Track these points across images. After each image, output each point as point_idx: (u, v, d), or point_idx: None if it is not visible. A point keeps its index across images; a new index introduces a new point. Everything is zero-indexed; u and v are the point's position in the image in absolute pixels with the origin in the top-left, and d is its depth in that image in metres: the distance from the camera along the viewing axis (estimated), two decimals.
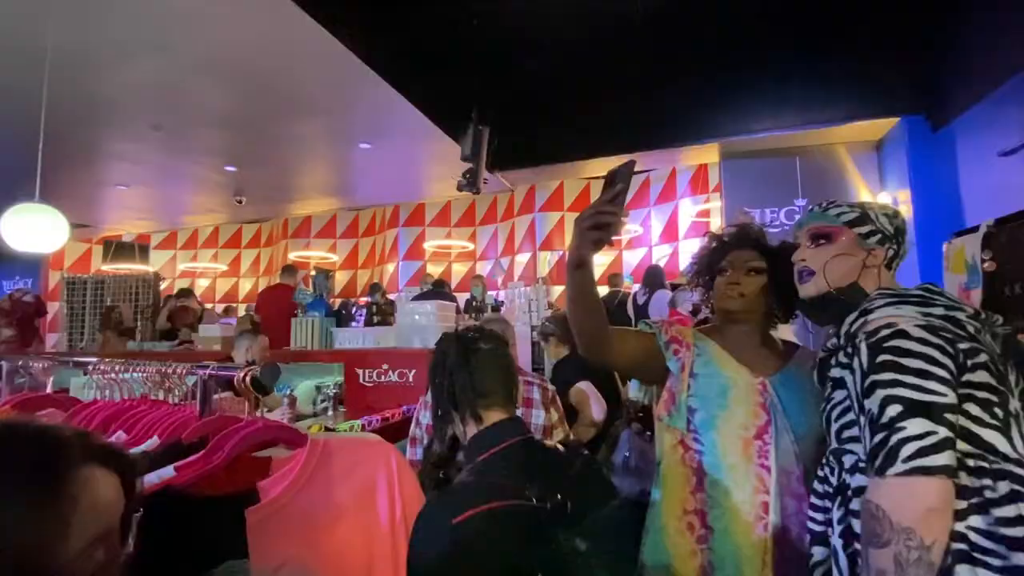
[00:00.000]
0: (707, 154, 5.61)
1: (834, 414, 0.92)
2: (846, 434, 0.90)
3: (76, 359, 1.23)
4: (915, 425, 0.73)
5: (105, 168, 5.96)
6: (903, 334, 0.80)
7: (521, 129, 5.16)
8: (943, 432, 0.73)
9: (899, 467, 0.73)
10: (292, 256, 9.26)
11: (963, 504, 0.74)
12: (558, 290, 6.70)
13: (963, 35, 3.73)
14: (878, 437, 0.76)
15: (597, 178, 7.53)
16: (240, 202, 7.12)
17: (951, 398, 0.75)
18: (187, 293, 6.48)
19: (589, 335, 1.18)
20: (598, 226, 1.02)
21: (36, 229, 2.85)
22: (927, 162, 4.15)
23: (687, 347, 1.24)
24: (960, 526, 0.73)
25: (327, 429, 2.52)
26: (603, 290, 6.48)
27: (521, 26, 4.32)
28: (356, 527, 0.76)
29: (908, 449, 0.73)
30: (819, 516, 0.94)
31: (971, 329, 0.82)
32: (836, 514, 0.88)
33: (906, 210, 4.35)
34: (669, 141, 5.16)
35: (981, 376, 0.78)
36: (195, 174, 6.25)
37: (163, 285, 6.72)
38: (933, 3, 3.94)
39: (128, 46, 3.56)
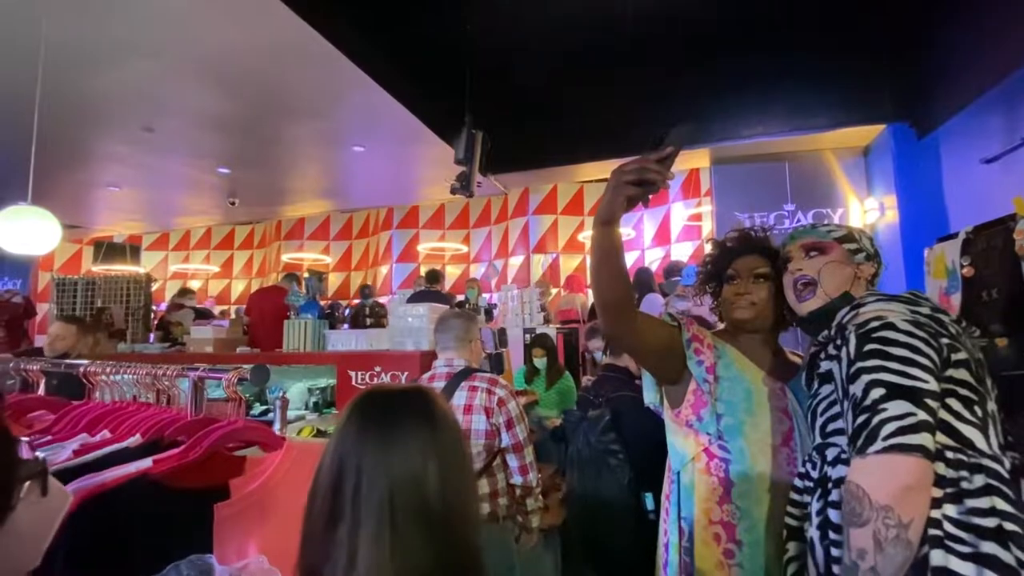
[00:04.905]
0: (698, 159, 5.67)
1: (820, 408, 0.95)
2: (830, 427, 0.92)
3: (67, 361, 1.24)
4: (896, 407, 0.77)
5: (96, 169, 5.93)
6: (891, 326, 0.84)
7: (514, 133, 5.19)
8: (922, 415, 0.76)
9: (878, 445, 0.76)
10: (285, 258, 9.23)
11: (940, 492, 0.77)
12: (551, 292, 6.73)
13: (947, 45, 3.80)
14: (860, 419, 0.79)
15: (590, 181, 7.58)
16: (233, 204, 7.11)
17: (933, 385, 0.78)
18: (185, 292, 6.49)
19: (614, 306, 1.08)
20: (639, 182, 0.94)
21: (29, 231, 2.84)
22: (913, 169, 4.22)
23: (708, 347, 1.20)
24: (936, 513, 0.77)
25: (319, 432, 2.53)
26: None
27: (514, 30, 4.36)
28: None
29: (888, 428, 0.76)
30: (796, 512, 0.96)
31: (953, 330, 0.87)
32: (815, 506, 0.90)
33: (892, 215, 4.42)
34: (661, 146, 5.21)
35: (962, 374, 0.82)
36: (187, 176, 6.23)
37: (154, 286, 6.69)
38: (918, 14, 4.01)
39: (121, 47, 3.56)
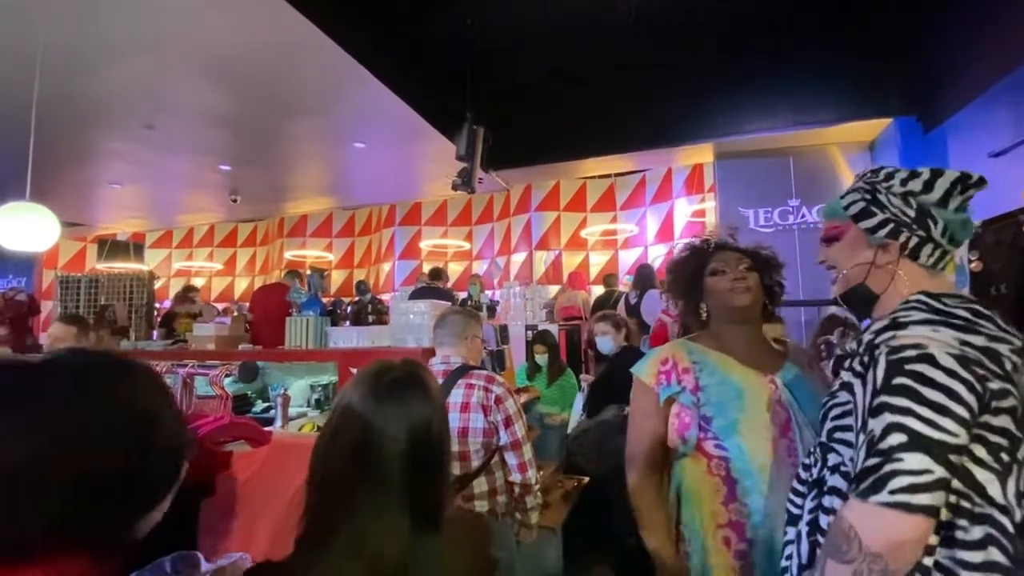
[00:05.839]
0: (702, 154, 5.63)
1: (832, 413, 0.91)
2: (837, 435, 0.88)
3: None
4: (913, 460, 0.69)
5: (98, 167, 5.93)
6: (930, 359, 0.72)
7: (515, 129, 5.16)
8: (939, 472, 0.69)
9: (883, 497, 0.70)
10: (288, 255, 9.24)
11: (935, 539, 0.73)
12: (553, 290, 6.71)
13: (954, 37, 3.75)
14: (872, 461, 0.72)
15: (592, 177, 7.55)
16: (235, 200, 7.10)
17: (962, 439, 0.70)
18: (191, 290, 6.50)
19: None
20: None
21: (26, 228, 2.84)
22: (919, 163, 4.09)
23: (685, 371, 1.21)
24: (927, 560, 0.73)
25: (320, 428, 2.52)
26: (599, 290, 6.49)
27: (515, 26, 4.33)
28: (278, 520, 0.79)
29: (898, 482, 0.69)
30: (798, 500, 0.95)
31: (1008, 366, 0.73)
32: (808, 504, 0.89)
33: None
34: (664, 141, 5.18)
35: (1002, 421, 0.72)
36: (189, 173, 6.23)
37: (158, 284, 6.70)
38: (925, 6, 3.96)
39: (120, 45, 3.55)
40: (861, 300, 0.91)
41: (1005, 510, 0.73)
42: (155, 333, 5.37)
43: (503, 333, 3.62)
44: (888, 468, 0.70)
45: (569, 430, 3.37)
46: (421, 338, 2.92)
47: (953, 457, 0.69)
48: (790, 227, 4.99)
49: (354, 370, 2.88)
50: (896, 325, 0.78)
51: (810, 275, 4.85)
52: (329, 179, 7.03)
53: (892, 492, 0.69)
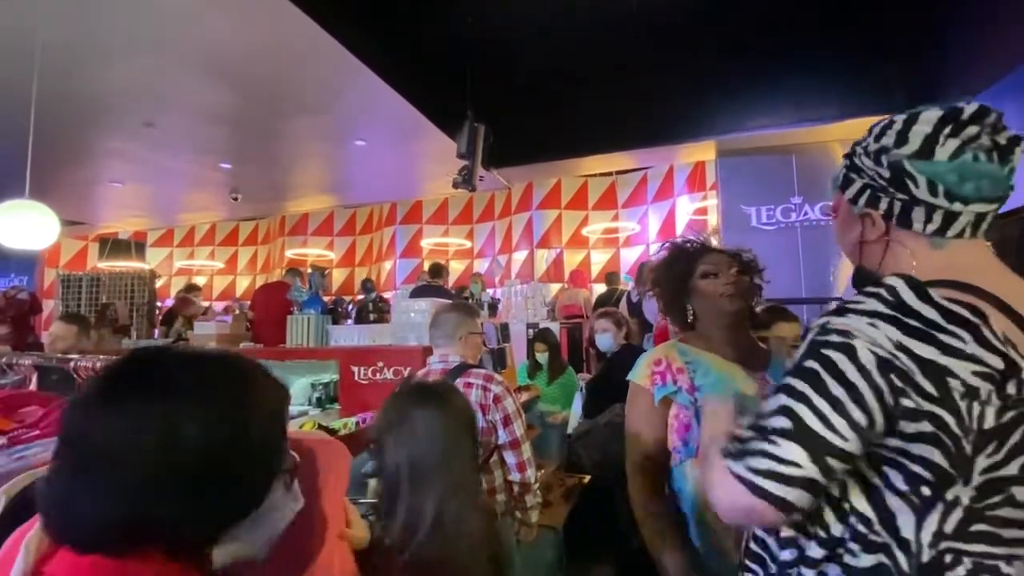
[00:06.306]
0: (704, 151, 5.61)
1: None
2: None
3: (59, 356, 1.22)
4: (789, 450, 0.62)
5: (99, 165, 5.93)
6: (848, 350, 0.63)
7: (516, 126, 5.15)
8: (810, 471, 0.61)
9: (738, 467, 0.64)
10: (289, 254, 9.25)
11: (820, 553, 0.68)
12: (555, 288, 6.69)
13: (958, 33, 3.73)
14: (748, 434, 0.66)
15: (593, 175, 7.53)
16: (236, 199, 7.10)
17: (851, 446, 0.61)
18: (193, 288, 6.51)
19: None
20: None
21: (26, 226, 2.84)
22: None
23: (679, 371, 1.21)
24: (809, 573, 0.69)
25: (321, 427, 2.52)
26: (600, 288, 6.48)
27: (516, 23, 4.31)
28: (304, 525, 0.78)
29: (761, 463, 0.63)
30: None
31: (959, 390, 0.59)
32: None
33: None
34: (666, 138, 5.17)
35: (921, 449, 0.62)
36: (190, 171, 6.22)
37: (159, 283, 6.71)
38: (927, 3, 3.93)
39: (119, 43, 3.54)
40: (865, 283, 0.78)
41: (906, 546, 0.63)
42: (156, 332, 5.38)
43: (504, 331, 3.62)
44: (758, 446, 0.64)
45: (570, 430, 3.36)
46: (422, 336, 2.91)
47: (832, 461, 0.61)
48: (792, 224, 4.97)
49: (355, 368, 2.89)
50: (839, 311, 0.67)
51: (812, 272, 4.84)
52: (330, 177, 7.03)
53: (751, 470, 0.63)
